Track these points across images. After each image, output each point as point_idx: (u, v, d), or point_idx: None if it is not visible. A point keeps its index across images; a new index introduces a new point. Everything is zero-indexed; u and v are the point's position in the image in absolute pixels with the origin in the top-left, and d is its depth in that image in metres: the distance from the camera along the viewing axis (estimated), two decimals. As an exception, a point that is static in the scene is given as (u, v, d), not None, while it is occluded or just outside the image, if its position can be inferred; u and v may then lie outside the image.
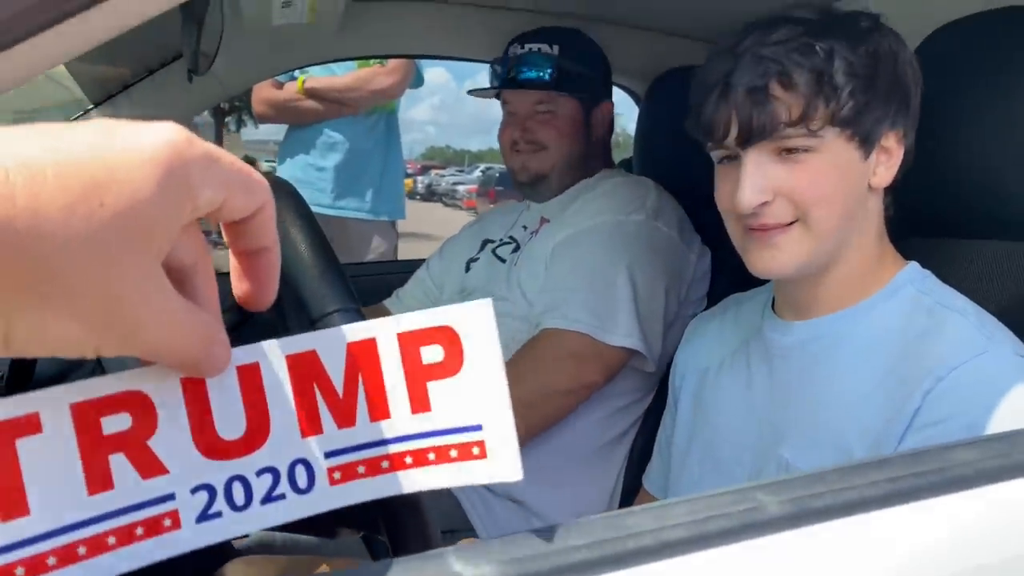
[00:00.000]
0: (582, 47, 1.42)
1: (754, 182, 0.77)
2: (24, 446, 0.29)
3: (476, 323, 0.37)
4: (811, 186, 0.77)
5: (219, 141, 11.06)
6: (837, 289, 0.82)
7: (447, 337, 0.37)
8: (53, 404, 0.30)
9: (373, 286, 1.62)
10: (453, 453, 0.38)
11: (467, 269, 1.48)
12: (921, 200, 0.89)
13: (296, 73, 2.46)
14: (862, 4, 1.29)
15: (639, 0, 1.48)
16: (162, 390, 0.33)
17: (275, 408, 0.36)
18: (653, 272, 1.25)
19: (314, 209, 2.10)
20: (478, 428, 0.38)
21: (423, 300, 1.55)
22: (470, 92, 1.54)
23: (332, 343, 0.37)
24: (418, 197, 24.66)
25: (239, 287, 0.35)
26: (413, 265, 1.62)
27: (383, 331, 0.38)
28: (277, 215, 0.63)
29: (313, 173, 2.55)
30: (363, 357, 0.38)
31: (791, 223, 0.78)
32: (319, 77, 2.42)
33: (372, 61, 2.43)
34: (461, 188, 21.72)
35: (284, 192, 0.67)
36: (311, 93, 2.44)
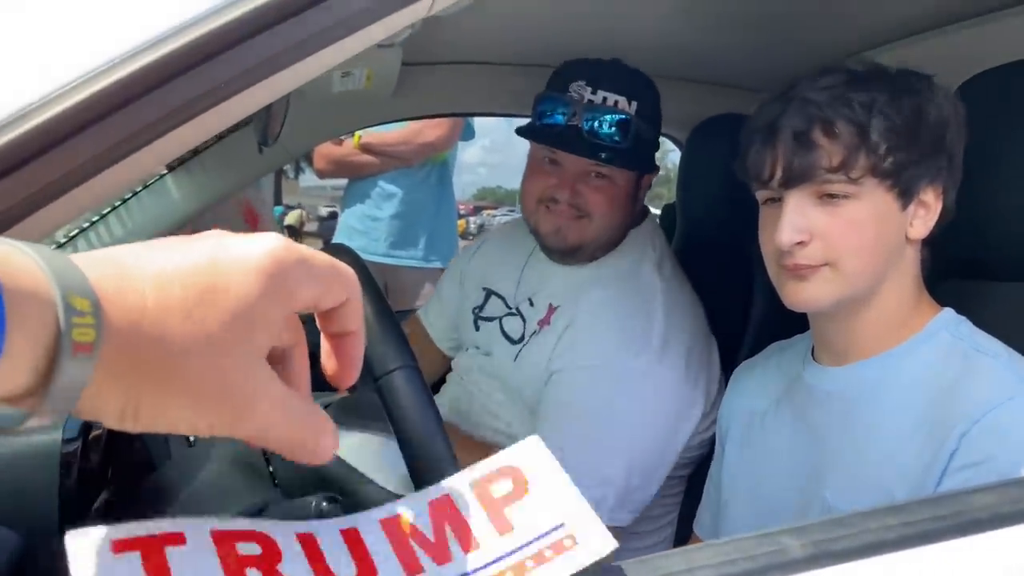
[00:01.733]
0: (655, 102, 1.22)
1: (793, 221, 0.81)
2: (172, 553, 0.35)
3: (532, 455, 0.45)
4: (847, 232, 0.81)
5: (278, 188, 11.38)
6: (873, 333, 0.85)
7: (511, 472, 0.45)
8: (195, 528, 0.37)
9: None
10: (548, 553, 0.43)
11: (476, 326, 1.34)
12: (959, 243, 0.92)
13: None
14: (900, 57, 1.34)
15: (679, 54, 1.53)
16: (282, 537, 0.39)
17: (379, 560, 0.41)
18: (651, 431, 1.12)
19: (369, 257, 2.21)
20: (561, 526, 0.43)
21: (448, 329, 1.45)
22: (519, 132, 1.28)
23: (416, 505, 0.44)
24: (471, 237, 24.90)
25: (328, 365, 0.40)
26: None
27: (457, 484, 0.45)
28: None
29: (369, 223, 2.66)
30: (443, 507, 0.44)
31: (822, 265, 0.82)
32: (373, 132, 2.53)
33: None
34: (513, 228, 21.82)
35: (345, 255, 0.73)
36: (366, 148, 2.56)
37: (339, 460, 0.71)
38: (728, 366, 1.22)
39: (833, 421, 0.86)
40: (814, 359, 0.92)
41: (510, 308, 1.30)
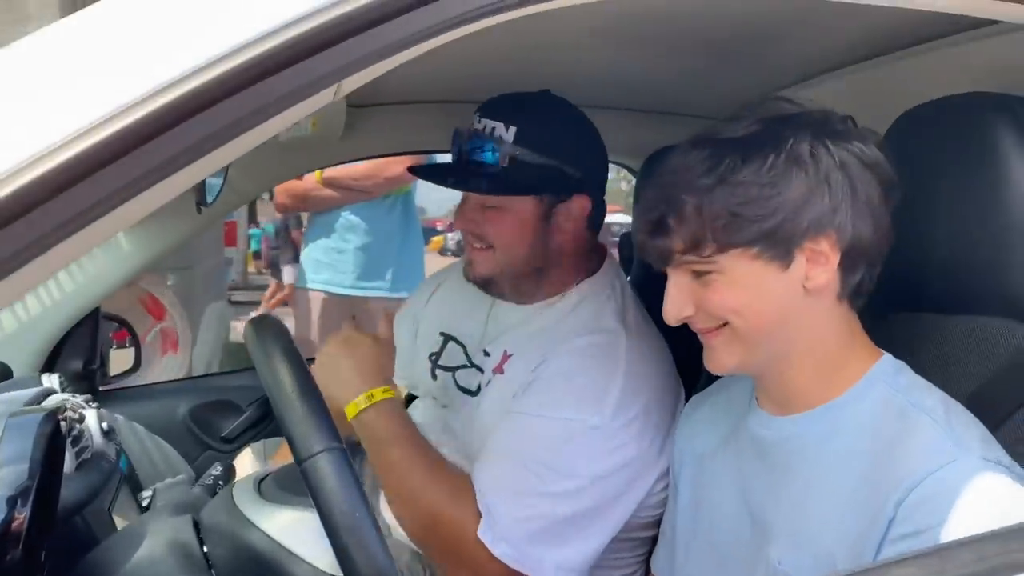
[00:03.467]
0: (546, 126, 1.13)
1: (672, 299, 0.84)
2: None
3: None
4: (722, 304, 0.82)
5: (252, 209, 11.32)
6: (805, 385, 0.85)
7: None
8: None
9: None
10: None
11: (433, 374, 1.27)
12: (897, 275, 0.92)
13: None
14: (850, 83, 1.35)
15: (630, 86, 1.54)
16: None
17: None
18: (597, 493, 1.04)
19: (335, 290, 2.19)
20: None
21: (404, 365, 1.32)
22: (409, 170, 1.30)
23: None
24: (449, 253, 24.77)
25: None
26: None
27: None
28: (263, 353, 0.69)
29: (335, 255, 2.65)
30: None
31: (722, 325, 0.83)
32: (335, 167, 2.53)
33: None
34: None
35: (271, 329, 0.72)
36: (329, 183, 2.55)
37: (272, 541, 0.70)
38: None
39: (777, 475, 0.86)
40: (758, 403, 0.92)
41: (469, 359, 1.24)
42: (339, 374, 1.09)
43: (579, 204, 1.16)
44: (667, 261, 0.84)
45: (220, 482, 0.94)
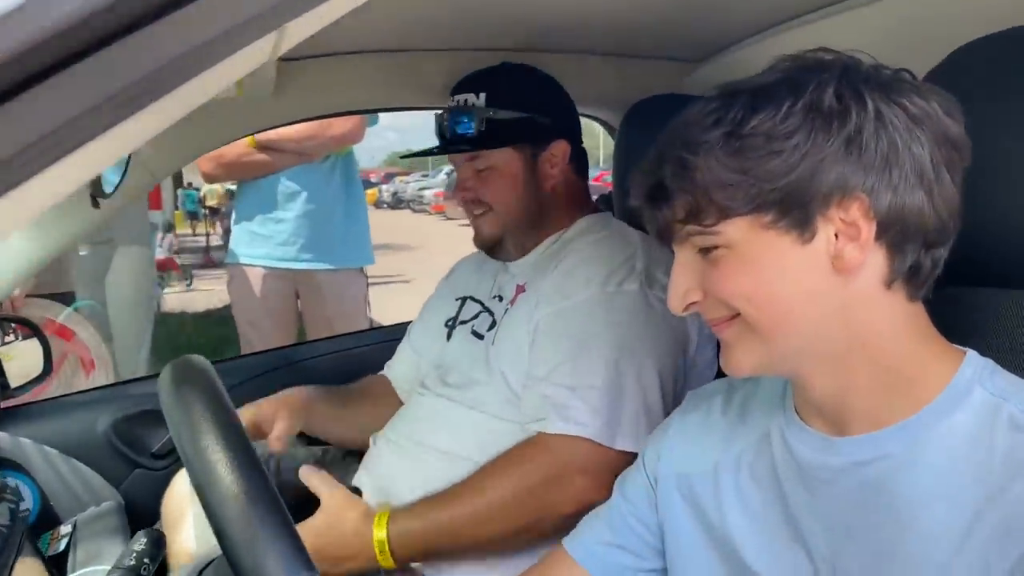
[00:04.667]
0: (512, 86, 1.26)
1: (677, 283, 0.71)
2: None
3: None
4: (729, 286, 0.67)
5: (178, 175, 10.80)
6: (863, 399, 0.68)
7: None
8: None
9: (368, 357, 1.52)
10: None
11: (448, 336, 1.32)
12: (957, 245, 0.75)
13: None
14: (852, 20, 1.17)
15: (601, 28, 1.33)
16: None
17: None
18: (656, 354, 1.10)
19: (276, 264, 1.96)
20: None
21: (409, 373, 1.41)
22: (402, 157, 1.41)
23: None
24: (385, 206, 24.32)
25: None
26: (399, 331, 1.49)
27: None
28: (188, 428, 0.49)
29: (272, 226, 2.40)
30: None
31: (735, 316, 0.68)
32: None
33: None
34: (428, 193, 21.38)
35: (198, 374, 0.51)
36: (264, 146, 2.29)
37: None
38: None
39: (849, 511, 0.69)
40: (799, 415, 0.74)
41: (482, 307, 1.30)
42: (344, 544, 1.10)
43: (559, 148, 1.25)
44: (670, 234, 0.70)
45: (146, 561, 0.72)
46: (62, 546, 1.19)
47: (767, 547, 0.75)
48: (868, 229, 0.63)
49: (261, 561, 0.43)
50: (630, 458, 1.02)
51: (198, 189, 10.95)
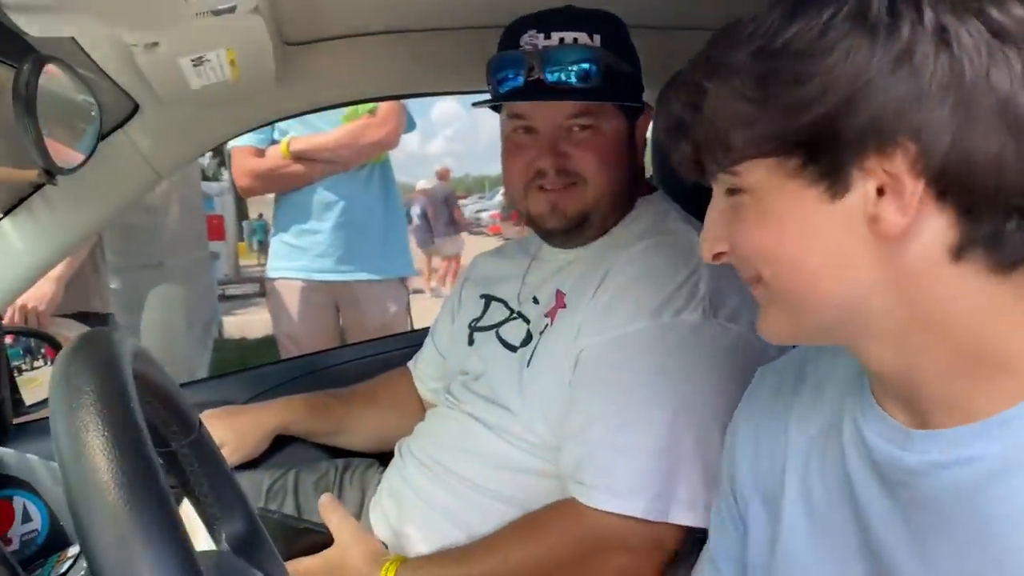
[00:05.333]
0: (626, 36, 1.07)
1: (708, 226, 0.61)
2: None
3: None
4: (746, 241, 0.57)
5: (241, 201, 11.03)
6: (945, 384, 0.54)
7: None
8: None
9: (393, 363, 1.42)
10: None
11: (471, 340, 1.18)
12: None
13: (276, 136, 2.28)
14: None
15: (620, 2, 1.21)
16: None
17: None
18: (722, 403, 0.87)
19: (316, 276, 1.89)
20: None
21: (434, 373, 1.30)
22: (475, 104, 1.14)
23: None
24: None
25: None
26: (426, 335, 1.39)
27: None
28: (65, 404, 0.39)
29: (309, 238, 2.35)
30: None
31: (757, 280, 0.58)
32: (304, 138, 2.22)
33: (360, 110, 2.24)
34: (485, 215, 21.51)
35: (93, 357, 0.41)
36: (299, 156, 2.24)
37: None
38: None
39: (930, 520, 0.55)
40: (876, 400, 0.60)
41: (512, 311, 1.13)
42: None
43: (647, 119, 1.09)
44: (698, 172, 0.60)
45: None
46: (65, 567, 1.12)
47: (830, 560, 0.61)
48: (915, 185, 0.50)
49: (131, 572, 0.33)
50: (685, 529, 0.88)
51: (267, 222, 11.22)
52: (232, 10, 0.81)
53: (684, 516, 0.88)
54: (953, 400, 0.54)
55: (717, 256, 0.60)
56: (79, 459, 0.36)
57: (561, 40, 1.00)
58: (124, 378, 0.40)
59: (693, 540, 0.88)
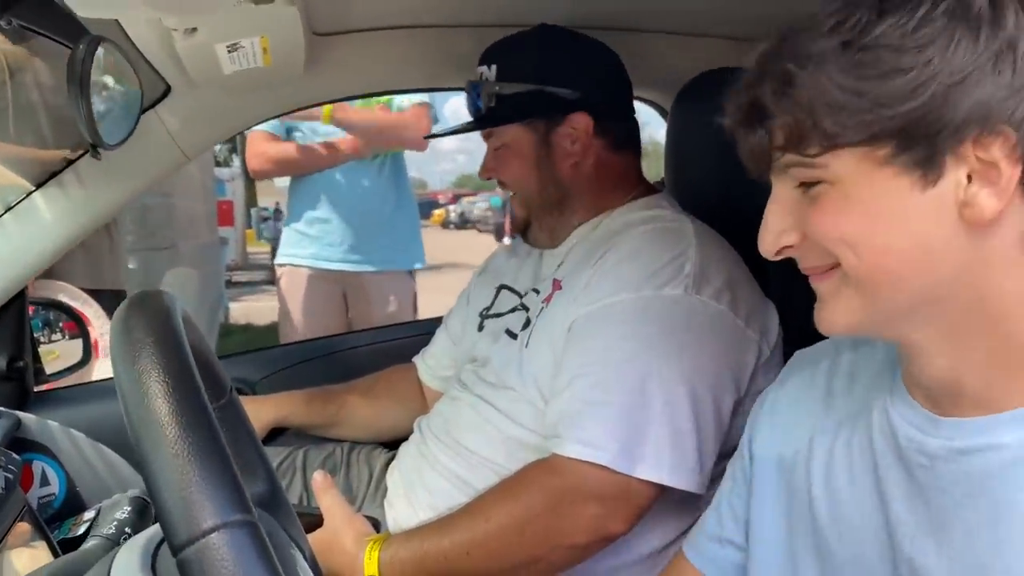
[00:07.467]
0: (526, 55, 1.14)
1: (770, 222, 0.61)
2: None
3: None
4: (829, 228, 0.57)
5: (252, 190, 11.06)
6: (980, 377, 0.57)
7: None
8: None
9: (400, 350, 1.46)
10: None
11: (480, 326, 1.24)
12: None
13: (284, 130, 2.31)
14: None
15: (645, 4, 1.25)
16: None
17: None
18: (693, 373, 0.96)
19: (325, 265, 1.95)
20: None
21: (444, 360, 1.35)
22: (426, 138, 1.53)
23: None
24: (452, 226, 24.57)
25: None
26: (435, 324, 1.44)
27: None
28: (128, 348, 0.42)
29: (320, 227, 2.38)
30: None
31: (833, 267, 0.58)
32: (349, 108, 2.22)
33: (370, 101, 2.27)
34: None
35: (151, 313, 0.45)
36: (340, 122, 2.23)
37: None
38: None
39: (947, 504, 0.58)
40: (907, 390, 0.63)
41: (519, 301, 1.21)
42: (338, 564, 1.01)
43: (579, 122, 1.12)
44: (767, 163, 0.59)
45: (128, 531, 0.67)
46: (81, 530, 1.15)
47: (848, 532, 0.64)
48: (1012, 171, 0.52)
49: (191, 500, 0.37)
50: (656, 487, 0.94)
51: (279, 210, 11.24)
52: (271, 0, 0.85)
53: (650, 472, 0.94)
54: (986, 391, 0.57)
55: (782, 250, 0.61)
56: (142, 402, 0.40)
57: (477, 75, 1.16)
58: (179, 331, 0.44)
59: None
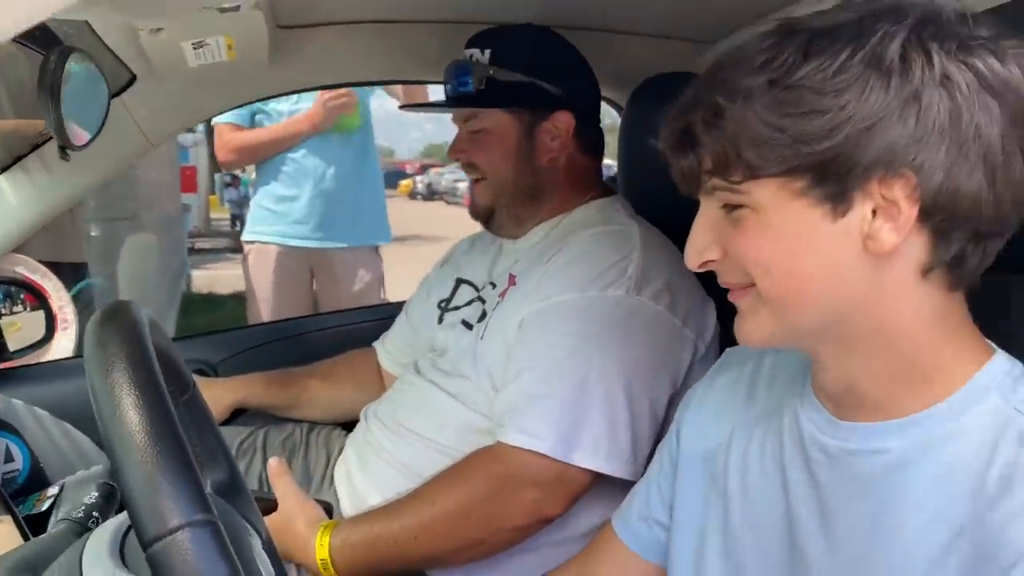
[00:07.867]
0: (521, 47, 1.18)
1: (696, 238, 0.65)
2: None
3: None
4: (748, 252, 0.62)
5: (215, 157, 10.88)
6: (875, 389, 0.63)
7: None
8: None
9: (363, 334, 1.50)
10: None
11: (439, 319, 1.29)
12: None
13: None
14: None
15: (612, 4, 1.30)
16: None
17: None
18: (631, 369, 1.03)
19: (290, 242, 1.98)
20: None
21: (404, 347, 1.39)
22: (401, 107, 1.43)
23: None
24: (419, 197, 24.45)
25: None
26: (397, 309, 1.47)
27: None
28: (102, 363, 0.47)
29: (287, 204, 2.41)
30: None
31: (750, 286, 0.64)
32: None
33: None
34: (461, 185, 21.48)
35: (122, 330, 0.50)
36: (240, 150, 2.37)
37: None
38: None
39: (836, 501, 0.65)
40: (815, 393, 0.69)
41: (476, 294, 1.25)
42: (292, 548, 1.07)
43: (562, 120, 1.17)
44: (696, 184, 0.64)
45: (95, 515, 0.72)
46: (45, 506, 1.19)
47: (754, 522, 0.71)
48: (910, 210, 0.57)
49: (159, 501, 0.42)
50: (591, 473, 1.01)
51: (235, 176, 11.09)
52: (237, 8, 0.88)
53: (586, 460, 1.00)
54: (884, 399, 0.63)
55: (705, 264, 0.65)
56: (115, 414, 0.45)
57: (465, 56, 1.18)
58: (147, 345, 0.49)
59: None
